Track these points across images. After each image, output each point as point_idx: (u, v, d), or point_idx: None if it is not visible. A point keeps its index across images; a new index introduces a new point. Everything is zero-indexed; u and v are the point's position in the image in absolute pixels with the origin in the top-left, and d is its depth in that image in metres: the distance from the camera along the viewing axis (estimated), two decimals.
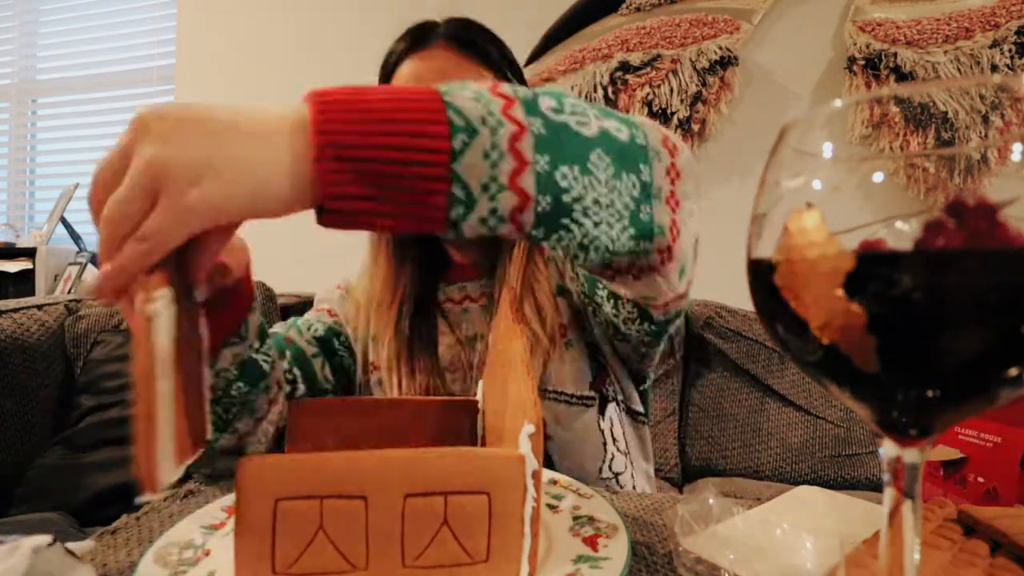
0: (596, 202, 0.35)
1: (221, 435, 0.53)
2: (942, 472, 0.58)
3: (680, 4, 1.58)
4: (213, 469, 0.58)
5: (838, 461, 1.19)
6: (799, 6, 1.51)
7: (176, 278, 0.32)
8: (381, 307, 0.70)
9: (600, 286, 0.60)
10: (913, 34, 1.41)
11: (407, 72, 0.66)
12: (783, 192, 0.21)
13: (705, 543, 0.37)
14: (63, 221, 2.02)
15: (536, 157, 0.33)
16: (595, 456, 0.65)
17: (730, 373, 1.29)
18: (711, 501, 0.41)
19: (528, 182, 0.32)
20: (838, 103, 0.21)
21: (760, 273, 0.21)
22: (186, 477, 0.59)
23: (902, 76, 1.40)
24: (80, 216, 2.15)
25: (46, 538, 0.31)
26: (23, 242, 2.09)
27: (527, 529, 0.32)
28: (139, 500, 0.31)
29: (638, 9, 1.60)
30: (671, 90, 1.54)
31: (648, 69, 1.56)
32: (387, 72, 0.69)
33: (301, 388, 0.64)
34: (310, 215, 0.33)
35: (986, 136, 1.28)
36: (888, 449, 0.21)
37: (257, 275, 0.50)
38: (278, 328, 0.68)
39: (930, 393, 0.19)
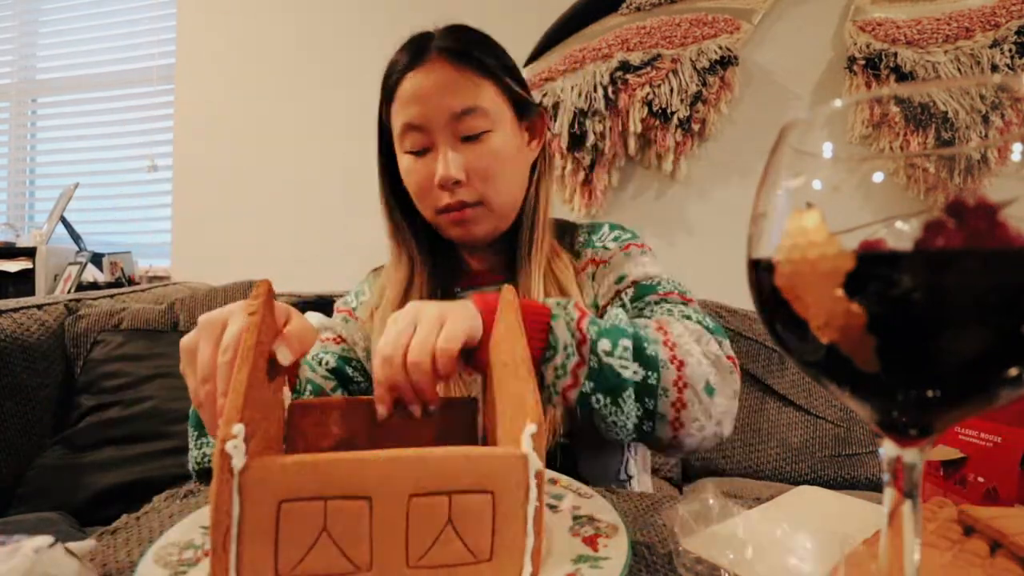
0: (614, 421, 0.51)
1: None
2: (942, 472, 0.58)
3: (680, 4, 1.58)
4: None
5: (838, 461, 1.19)
6: (799, 6, 1.51)
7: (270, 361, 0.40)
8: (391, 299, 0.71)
9: None
10: (913, 34, 1.41)
11: (409, 90, 0.67)
12: (783, 192, 0.21)
13: (705, 543, 0.37)
14: (63, 221, 2.02)
15: (585, 383, 0.49)
16: (615, 458, 0.69)
17: None
18: (711, 501, 0.41)
19: (572, 396, 0.50)
20: (838, 103, 0.21)
21: (760, 273, 0.21)
22: (186, 477, 0.59)
23: (902, 76, 1.40)
24: (80, 216, 2.16)
25: (47, 539, 0.31)
26: (23, 242, 2.09)
27: (530, 528, 0.32)
28: None
29: (638, 9, 1.60)
30: (671, 90, 1.54)
31: (648, 69, 1.56)
32: (390, 89, 0.69)
33: None
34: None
35: (986, 136, 1.28)
36: (888, 449, 0.21)
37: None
38: None
39: (930, 393, 0.19)
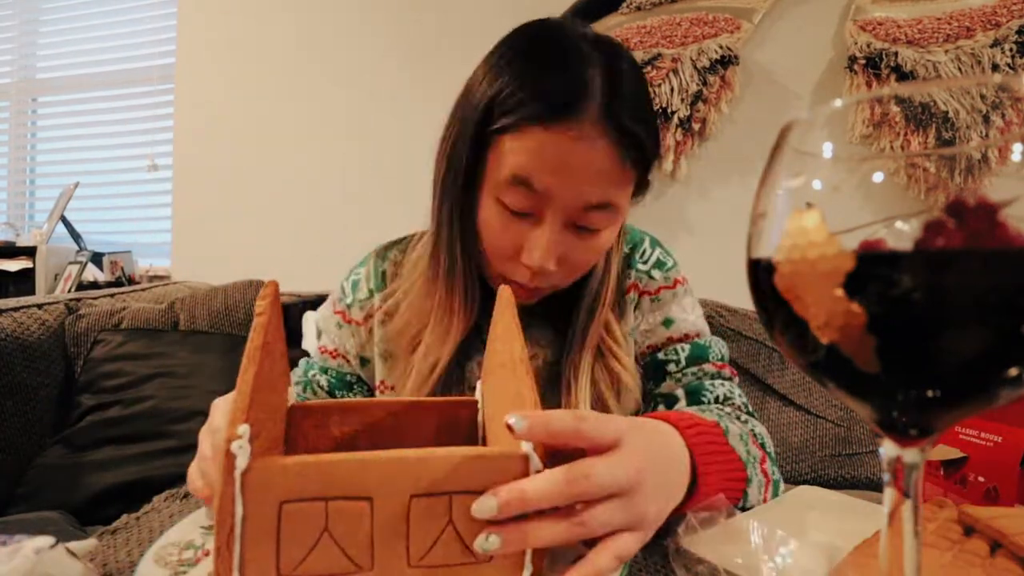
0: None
1: None
2: (942, 472, 0.58)
3: (680, 3, 1.58)
4: None
5: (838, 461, 1.19)
6: (800, 5, 1.51)
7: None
8: (432, 336, 0.64)
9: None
10: (914, 33, 1.41)
11: (548, 149, 0.51)
12: (783, 192, 0.21)
13: (705, 543, 0.37)
14: (63, 220, 2.02)
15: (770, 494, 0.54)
16: None
17: None
18: (711, 501, 0.41)
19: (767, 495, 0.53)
20: (839, 102, 0.21)
21: (760, 273, 0.21)
22: (186, 477, 0.59)
23: (903, 75, 1.40)
24: (80, 215, 2.16)
25: (48, 539, 0.31)
26: (23, 241, 2.09)
27: None
28: None
29: (638, 8, 1.60)
30: (672, 89, 1.54)
31: (649, 68, 1.56)
32: (514, 124, 0.52)
33: None
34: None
35: (987, 136, 1.28)
36: (888, 449, 0.21)
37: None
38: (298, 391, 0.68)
39: (930, 393, 0.19)
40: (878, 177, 0.20)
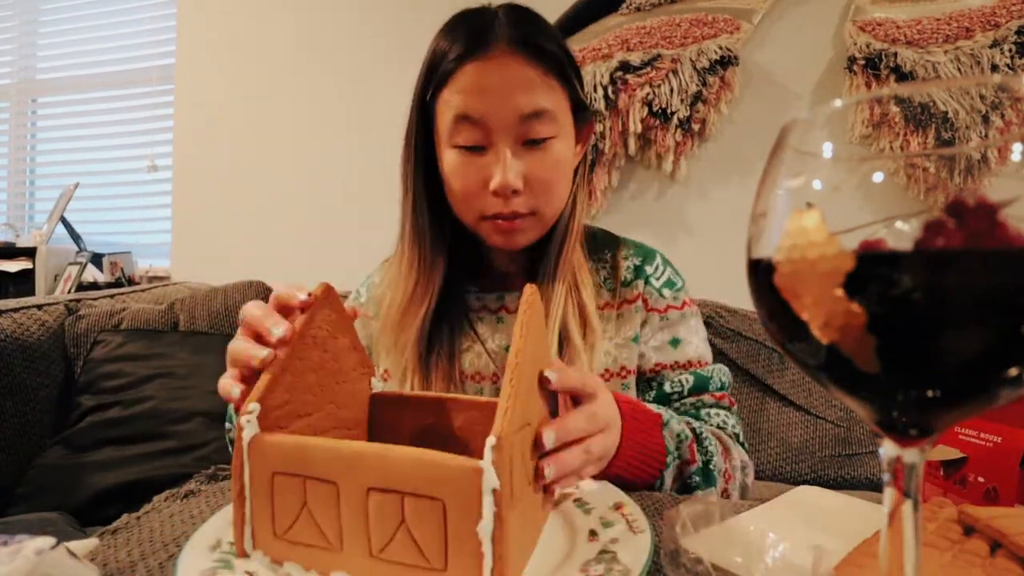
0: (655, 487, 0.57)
1: None
2: (942, 472, 0.58)
3: (680, 4, 1.58)
4: (219, 470, 0.58)
5: (838, 461, 1.19)
6: (799, 6, 1.51)
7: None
8: (405, 315, 0.68)
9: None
10: (913, 34, 1.41)
11: (471, 80, 0.60)
12: (783, 192, 0.21)
13: (705, 543, 0.37)
14: (63, 221, 2.02)
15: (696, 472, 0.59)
16: None
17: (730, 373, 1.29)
18: (712, 501, 0.41)
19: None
20: (838, 103, 0.21)
21: (760, 273, 0.21)
22: (186, 477, 0.59)
23: (902, 76, 1.40)
24: (80, 216, 2.16)
25: (50, 540, 0.31)
26: (23, 242, 2.09)
27: (486, 548, 0.30)
28: None
29: (638, 9, 1.60)
30: (671, 90, 1.54)
31: (648, 69, 1.56)
32: (444, 74, 0.62)
33: None
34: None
35: (986, 136, 1.28)
36: (888, 449, 0.21)
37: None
38: None
39: (930, 393, 0.19)
40: (878, 177, 0.20)
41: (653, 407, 0.59)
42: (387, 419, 0.47)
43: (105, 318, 1.27)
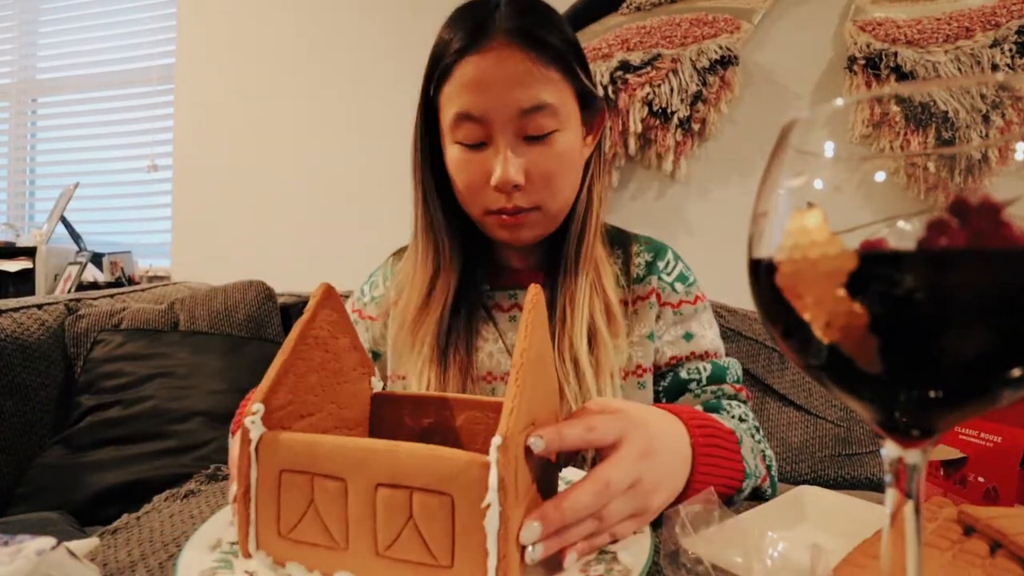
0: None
1: None
2: (942, 472, 0.58)
3: (680, 3, 1.57)
4: (218, 470, 0.58)
5: (838, 461, 1.19)
6: (799, 6, 1.51)
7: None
8: (422, 312, 0.68)
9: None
10: (913, 34, 1.41)
11: (469, 75, 0.59)
12: (784, 191, 0.21)
13: (705, 543, 0.37)
14: (63, 220, 2.01)
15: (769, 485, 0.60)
16: None
17: None
18: (712, 502, 0.41)
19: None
20: (839, 102, 0.21)
21: (761, 273, 0.21)
22: (186, 477, 0.59)
23: (902, 75, 1.39)
24: (80, 216, 2.16)
25: (50, 540, 0.31)
26: (23, 241, 2.09)
27: (491, 543, 0.30)
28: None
29: (638, 8, 1.60)
30: (671, 89, 1.54)
31: (648, 68, 1.56)
32: (444, 69, 0.61)
33: None
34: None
35: (987, 135, 1.28)
36: (890, 450, 0.21)
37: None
38: None
39: (932, 394, 0.19)
40: (879, 176, 0.19)
41: (724, 422, 0.56)
42: (388, 419, 0.47)
43: (105, 318, 1.27)
